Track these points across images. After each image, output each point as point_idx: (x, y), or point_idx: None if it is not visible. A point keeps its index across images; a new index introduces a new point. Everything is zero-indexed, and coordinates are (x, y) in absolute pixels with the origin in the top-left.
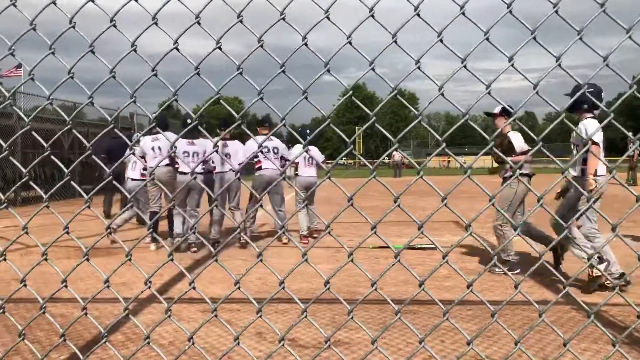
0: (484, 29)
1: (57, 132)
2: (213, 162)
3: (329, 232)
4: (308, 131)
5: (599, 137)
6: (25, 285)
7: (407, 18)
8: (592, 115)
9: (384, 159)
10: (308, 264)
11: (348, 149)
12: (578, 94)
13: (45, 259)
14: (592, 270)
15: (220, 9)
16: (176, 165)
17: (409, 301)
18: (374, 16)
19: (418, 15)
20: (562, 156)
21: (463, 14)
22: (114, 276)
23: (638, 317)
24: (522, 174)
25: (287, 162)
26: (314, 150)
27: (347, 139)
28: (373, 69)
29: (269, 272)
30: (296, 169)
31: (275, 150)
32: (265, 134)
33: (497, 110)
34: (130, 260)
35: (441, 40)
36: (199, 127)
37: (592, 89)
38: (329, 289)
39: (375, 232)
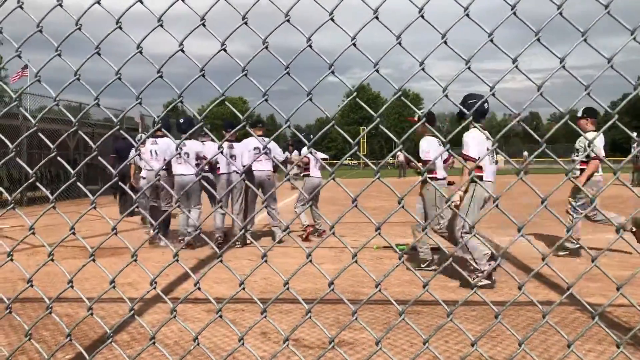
0: (488, 30)
1: (63, 133)
2: (218, 162)
3: (333, 233)
4: (311, 136)
5: (472, 151)
6: (32, 286)
7: (410, 18)
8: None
9: (388, 159)
10: (312, 264)
11: (352, 150)
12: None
13: (52, 259)
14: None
15: (224, 9)
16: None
17: (413, 302)
18: (378, 18)
19: (422, 17)
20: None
21: (467, 15)
22: (119, 276)
23: None
24: (435, 178)
25: (281, 163)
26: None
27: (351, 140)
28: (377, 71)
29: (273, 272)
30: (303, 170)
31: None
32: (260, 135)
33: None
34: (136, 260)
35: (445, 42)
36: (205, 129)
37: (475, 100)
38: (333, 289)
39: (379, 233)
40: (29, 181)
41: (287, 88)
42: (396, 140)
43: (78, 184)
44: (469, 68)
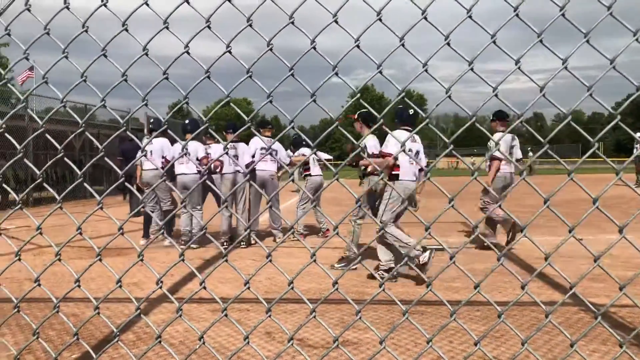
0: (491, 31)
1: (68, 134)
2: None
3: (337, 233)
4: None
5: (392, 148)
6: (39, 285)
7: (414, 19)
8: (405, 128)
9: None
10: (316, 264)
11: (357, 150)
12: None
13: (59, 259)
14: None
15: (228, 11)
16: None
17: (417, 301)
18: (381, 19)
19: (425, 18)
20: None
21: (470, 17)
22: (125, 276)
23: None
24: (372, 174)
25: (286, 164)
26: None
27: (354, 141)
28: (381, 72)
29: (277, 273)
30: (305, 170)
31: (274, 153)
32: (268, 136)
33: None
34: (142, 260)
35: (448, 44)
36: (210, 130)
37: (403, 108)
38: (337, 289)
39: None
40: (36, 181)
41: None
42: (399, 141)
43: (85, 184)
44: (472, 69)
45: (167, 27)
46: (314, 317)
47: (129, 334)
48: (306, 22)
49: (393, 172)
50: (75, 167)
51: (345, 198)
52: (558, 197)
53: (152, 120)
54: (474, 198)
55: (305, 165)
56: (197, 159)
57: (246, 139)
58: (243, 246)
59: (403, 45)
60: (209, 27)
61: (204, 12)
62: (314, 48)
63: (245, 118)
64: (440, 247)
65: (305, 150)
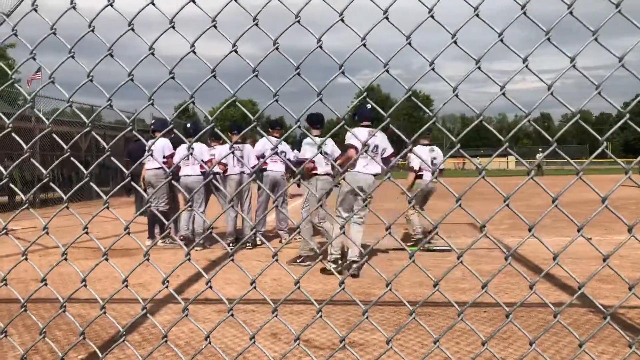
0: (498, 30)
1: (74, 134)
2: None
3: (343, 233)
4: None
5: (354, 141)
6: (46, 284)
7: (420, 18)
8: (366, 124)
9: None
10: (322, 264)
11: (362, 150)
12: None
13: (65, 259)
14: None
15: (231, 11)
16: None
17: (424, 301)
18: (388, 18)
19: (432, 17)
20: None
21: (477, 15)
22: (130, 277)
23: None
24: (316, 174)
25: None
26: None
27: (361, 140)
28: (387, 71)
29: (283, 274)
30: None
31: (283, 154)
32: (276, 137)
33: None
34: (148, 260)
35: (455, 42)
36: (217, 131)
37: (363, 105)
38: (343, 288)
39: (390, 233)
40: (43, 181)
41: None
42: (407, 140)
43: (91, 184)
44: (479, 68)
45: (173, 27)
46: (321, 316)
47: (135, 334)
48: (311, 21)
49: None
50: (82, 167)
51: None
52: (565, 197)
53: (154, 120)
54: (481, 199)
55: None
56: (202, 161)
57: (250, 139)
58: (249, 247)
59: (410, 43)
60: (214, 26)
61: (209, 12)
62: (321, 47)
63: (252, 117)
64: (448, 247)
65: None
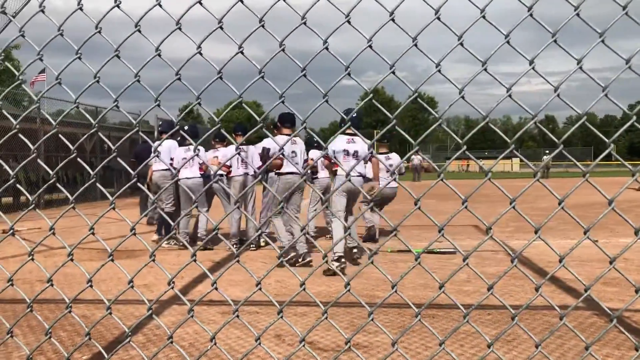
0: (505, 32)
1: (79, 136)
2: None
3: (349, 234)
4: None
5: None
6: (52, 285)
7: (426, 20)
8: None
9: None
10: (327, 264)
11: (368, 152)
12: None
13: (71, 259)
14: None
15: (237, 13)
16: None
17: (429, 303)
18: (394, 20)
19: (438, 19)
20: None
21: (484, 17)
22: (135, 278)
23: None
24: (278, 174)
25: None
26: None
27: (367, 142)
28: (394, 72)
29: (287, 276)
30: (314, 173)
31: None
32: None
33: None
34: (154, 260)
35: (461, 44)
36: (223, 132)
37: (355, 114)
38: (349, 290)
39: (396, 235)
40: (49, 182)
41: (301, 92)
42: (412, 142)
43: (97, 184)
44: (485, 70)
45: (179, 29)
46: (326, 318)
47: (139, 335)
48: (317, 23)
49: (334, 169)
50: (88, 168)
51: None
52: (571, 200)
53: (160, 122)
54: (486, 201)
55: (313, 169)
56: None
57: (257, 140)
58: (252, 249)
59: (416, 45)
60: (221, 27)
61: (215, 14)
62: (327, 48)
63: (257, 118)
64: (452, 250)
65: (314, 153)
